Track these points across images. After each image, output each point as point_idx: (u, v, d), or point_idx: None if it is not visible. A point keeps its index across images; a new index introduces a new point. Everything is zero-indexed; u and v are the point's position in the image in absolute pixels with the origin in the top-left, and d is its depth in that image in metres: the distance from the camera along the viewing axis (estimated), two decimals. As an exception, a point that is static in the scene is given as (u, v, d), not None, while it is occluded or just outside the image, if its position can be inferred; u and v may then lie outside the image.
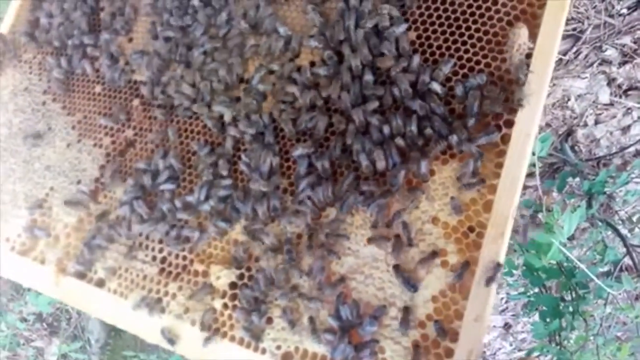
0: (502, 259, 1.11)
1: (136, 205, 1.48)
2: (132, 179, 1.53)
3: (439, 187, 1.20)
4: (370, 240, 1.23)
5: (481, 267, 1.11)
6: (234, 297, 1.34)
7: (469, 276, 1.13)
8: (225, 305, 1.33)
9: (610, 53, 3.00)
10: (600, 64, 3.00)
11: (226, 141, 1.44)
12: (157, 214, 1.46)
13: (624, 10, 2.91)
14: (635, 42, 2.97)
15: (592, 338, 2.33)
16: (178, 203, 1.44)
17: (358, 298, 1.21)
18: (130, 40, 1.70)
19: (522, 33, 1.20)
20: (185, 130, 1.53)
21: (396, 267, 1.18)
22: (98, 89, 1.70)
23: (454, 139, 1.18)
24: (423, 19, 1.32)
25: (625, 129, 3.11)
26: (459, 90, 1.22)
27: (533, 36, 1.20)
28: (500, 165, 1.16)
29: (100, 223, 1.53)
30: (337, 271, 1.25)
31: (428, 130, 1.22)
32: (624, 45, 3.00)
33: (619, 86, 3.06)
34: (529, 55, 1.20)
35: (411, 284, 1.15)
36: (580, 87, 2.99)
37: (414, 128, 1.22)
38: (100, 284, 1.50)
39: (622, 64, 3.02)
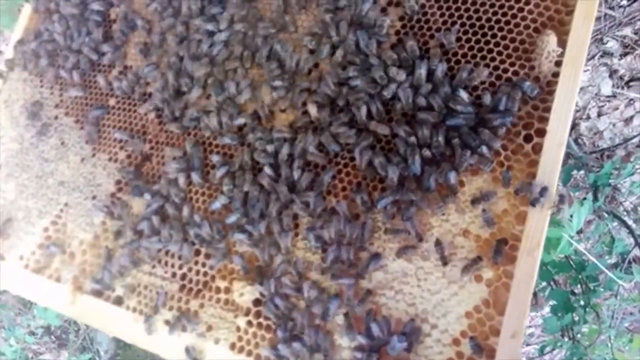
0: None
1: (155, 221, 1.45)
2: (149, 193, 1.49)
3: (469, 198, 1.17)
4: (399, 254, 1.19)
5: (516, 281, 1.08)
6: (258, 314, 1.30)
7: (503, 291, 1.10)
8: (249, 323, 1.30)
9: (612, 45, 3.00)
10: (601, 56, 2.99)
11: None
12: (175, 230, 1.43)
13: (624, 2, 2.91)
14: (635, 34, 2.97)
15: (604, 331, 2.32)
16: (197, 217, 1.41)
17: (388, 315, 1.18)
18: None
19: (550, 40, 1.17)
20: (203, 142, 1.50)
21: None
22: (112, 102, 1.67)
23: (483, 149, 1.15)
24: (447, 27, 1.30)
25: (628, 120, 3.11)
26: (486, 99, 1.19)
27: (561, 43, 1.18)
28: (532, 176, 1.12)
29: (118, 241, 1.50)
30: (364, 286, 1.21)
31: (455, 141, 1.19)
32: (624, 37, 3.00)
33: (621, 77, 3.06)
34: (558, 63, 1.17)
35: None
36: (582, 80, 2.99)
37: (441, 139, 1.20)
38: (119, 301, 1.47)
39: (624, 55, 3.03)
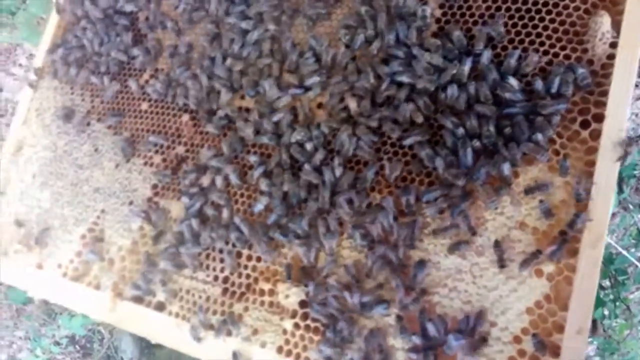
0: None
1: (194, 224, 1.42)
2: (186, 197, 1.47)
3: (524, 189, 1.12)
4: (451, 250, 1.15)
5: (579, 275, 1.03)
6: (305, 316, 1.27)
7: (565, 285, 1.04)
8: (296, 325, 1.27)
9: None
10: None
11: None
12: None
13: None
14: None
15: (635, 324, 2.28)
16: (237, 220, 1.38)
17: (443, 313, 1.13)
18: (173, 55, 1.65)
19: (604, 21, 1.12)
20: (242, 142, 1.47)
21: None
22: (144, 106, 1.65)
23: (538, 137, 1.10)
24: (491, 12, 1.25)
25: None
26: (538, 84, 1.14)
27: (615, 24, 1.12)
28: (591, 163, 1.07)
29: (158, 245, 1.48)
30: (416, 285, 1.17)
31: (508, 130, 1.14)
32: None
33: None
34: (613, 45, 1.11)
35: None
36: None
37: (492, 128, 1.15)
38: (160, 307, 1.44)
39: None
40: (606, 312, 2.12)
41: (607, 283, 2.19)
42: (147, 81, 1.67)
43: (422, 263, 1.16)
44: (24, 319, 3.48)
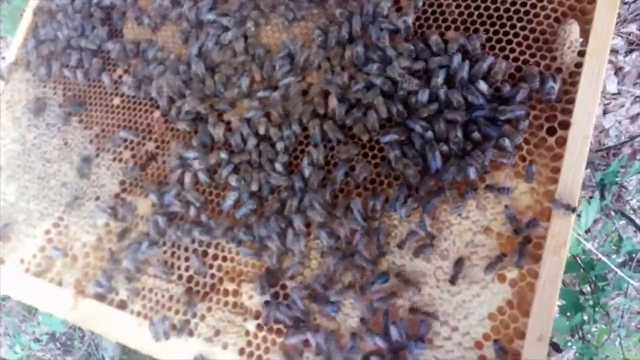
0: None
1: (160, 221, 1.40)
2: (154, 194, 1.44)
3: (490, 194, 1.12)
4: (416, 253, 1.14)
5: (542, 281, 1.02)
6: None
7: (528, 291, 1.04)
8: (259, 327, 1.24)
9: (616, 42, 2.96)
10: (606, 53, 2.97)
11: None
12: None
13: None
14: (640, 30, 2.95)
15: (614, 330, 2.31)
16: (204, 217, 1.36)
17: (406, 317, 1.12)
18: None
19: (573, 29, 1.13)
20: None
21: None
22: (117, 101, 1.63)
23: (505, 142, 1.10)
24: (463, 18, 1.25)
25: (634, 118, 3.07)
26: (506, 90, 1.14)
27: (584, 33, 1.13)
28: (556, 170, 1.07)
29: (122, 242, 1.45)
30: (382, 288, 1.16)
31: (476, 135, 1.14)
32: (629, 34, 2.97)
33: (626, 75, 3.02)
34: (581, 53, 1.12)
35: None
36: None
37: (459, 134, 1.14)
38: (122, 305, 1.41)
39: (629, 52, 2.99)
40: (585, 317, 2.13)
41: (587, 289, 2.21)
42: (120, 76, 1.65)
43: (384, 274, 1.15)
44: (3, 315, 3.41)
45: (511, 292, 1.05)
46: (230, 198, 1.34)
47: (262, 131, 1.35)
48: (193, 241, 1.37)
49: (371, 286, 1.14)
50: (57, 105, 1.72)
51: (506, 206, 1.09)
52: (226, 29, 1.49)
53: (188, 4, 1.55)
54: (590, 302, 2.14)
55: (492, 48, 1.20)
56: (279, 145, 1.33)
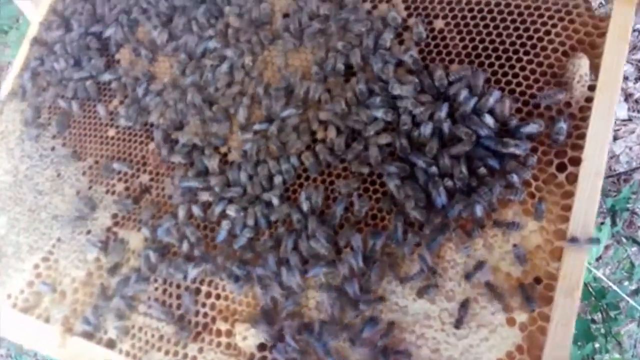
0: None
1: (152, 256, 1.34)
2: (146, 228, 1.39)
3: (498, 232, 1.06)
4: (420, 294, 1.08)
5: (554, 325, 0.96)
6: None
7: (539, 335, 0.98)
8: (253, 370, 1.18)
9: (627, 69, 2.96)
10: (617, 80, 2.99)
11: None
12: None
13: (639, 26, 2.88)
14: (651, 58, 2.96)
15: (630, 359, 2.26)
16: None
17: (409, 362, 1.05)
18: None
19: (582, 63, 1.09)
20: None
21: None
22: (111, 132, 1.59)
23: (513, 177, 1.05)
24: (467, 51, 1.22)
25: None
26: (512, 124, 1.10)
27: (593, 67, 1.10)
28: (567, 208, 1.02)
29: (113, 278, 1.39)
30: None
31: (482, 170, 1.09)
32: (639, 61, 2.97)
33: (637, 101, 3.03)
34: (591, 88, 1.09)
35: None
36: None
37: (464, 169, 1.10)
38: (111, 345, 1.34)
39: (639, 79, 2.99)
40: (597, 346, 2.07)
41: (598, 317, 2.15)
42: (116, 107, 1.62)
43: (373, 320, 1.09)
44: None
45: (521, 336, 0.99)
46: (224, 229, 1.29)
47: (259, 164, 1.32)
48: (185, 278, 1.31)
49: (360, 333, 1.08)
50: (50, 137, 1.68)
51: (515, 245, 1.04)
52: (224, 58, 1.46)
53: (187, 36, 1.53)
54: (602, 331, 2.09)
55: (498, 82, 1.17)
56: (277, 179, 1.29)
